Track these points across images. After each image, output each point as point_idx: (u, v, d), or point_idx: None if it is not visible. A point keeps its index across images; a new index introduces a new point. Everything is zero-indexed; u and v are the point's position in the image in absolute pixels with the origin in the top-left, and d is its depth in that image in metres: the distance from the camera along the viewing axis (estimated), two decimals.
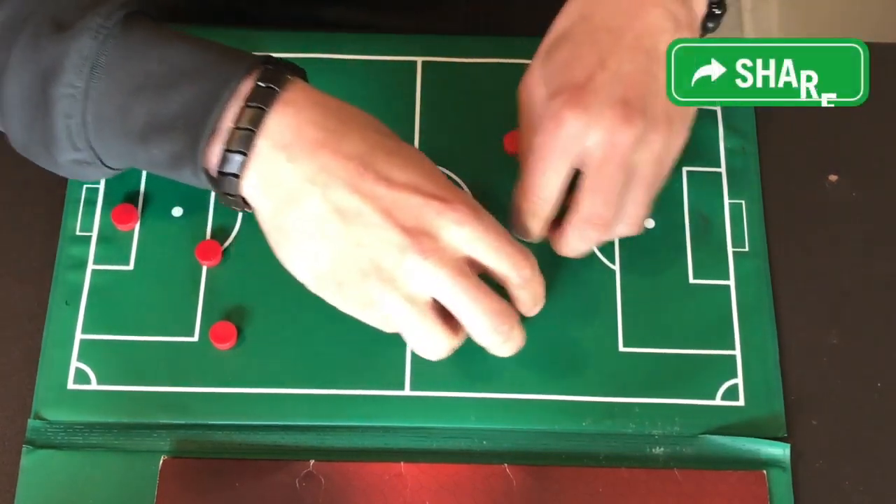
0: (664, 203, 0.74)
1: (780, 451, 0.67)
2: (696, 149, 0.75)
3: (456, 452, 0.67)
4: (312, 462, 0.66)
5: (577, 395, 0.69)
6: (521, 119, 0.69)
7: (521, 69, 0.77)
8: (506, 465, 0.67)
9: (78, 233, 0.72)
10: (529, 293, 0.65)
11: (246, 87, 0.62)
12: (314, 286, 0.64)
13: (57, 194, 0.73)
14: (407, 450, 0.67)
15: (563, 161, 0.65)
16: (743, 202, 0.74)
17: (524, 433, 0.68)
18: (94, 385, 0.68)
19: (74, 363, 0.69)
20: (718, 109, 0.77)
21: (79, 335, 0.70)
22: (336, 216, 0.61)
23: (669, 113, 0.65)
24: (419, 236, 0.61)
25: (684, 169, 0.75)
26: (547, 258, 0.72)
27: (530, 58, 0.78)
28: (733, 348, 0.70)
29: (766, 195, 0.75)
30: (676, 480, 0.66)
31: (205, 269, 0.72)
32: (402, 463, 0.66)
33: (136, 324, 0.70)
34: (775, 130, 0.77)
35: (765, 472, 0.67)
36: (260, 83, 0.62)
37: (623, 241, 0.73)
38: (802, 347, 0.71)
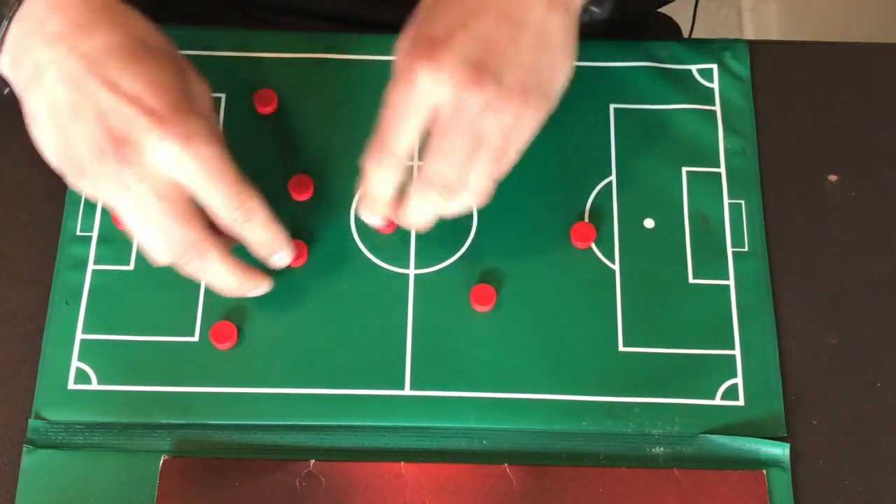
0: (664, 203, 0.74)
1: (779, 450, 0.67)
2: (696, 149, 0.76)
3: (456, 452, 0.67)
4: (312, 462, 0.66)
5: (577, 394, 0.69)
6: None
7: None
8: (506, 464, 0.67)
9: (78, 233, 0.72)
10: (254, 234, 0.65)
11: None
12: (58, 169, 0.65)
13: (57, 194, 0.73)
14: (407, 450, 0.67)
15: (415, 115, 0.63)
16: (743, 202, 0.74)
17: (524, 433, 0.68)
18: (94, 385, 0.68)
19: (75, 363, 0.69)
20: (718, 110, 0.77)
21: (79, 335, 0.70)
22: (59, 109, 0.62)
23: (527, 87, 0.63)
24: (122, 146, 0.61)
25: (684, 169, 0.75)
26: (547, 258, 0.72)
27: None
28: (733, 348, 0.70)
29: (765, 195, 0.75)
30: (676, 480, 0.66)
31: None
32: (402, 463, 0.66)
33: (137, 324, 0.70)
34: (775, 130, 0.77)
35: (764, 471, 0.67)
36: None
37: (623, 241, 0.73)
38: (802, 347, 0.71)
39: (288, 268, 0.71)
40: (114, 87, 0.62)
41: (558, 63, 0.66)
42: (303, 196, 0.73)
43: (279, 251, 0.68)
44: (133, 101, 0.62)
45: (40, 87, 0.63)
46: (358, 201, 0.68)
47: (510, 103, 0.63)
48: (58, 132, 0.63)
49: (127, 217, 0.63)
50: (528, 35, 0.64)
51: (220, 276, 0.66)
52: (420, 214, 0.68)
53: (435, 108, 0.63)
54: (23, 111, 0.65)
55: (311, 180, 0.74)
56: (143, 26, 0.65)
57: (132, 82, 0.62)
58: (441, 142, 0.63)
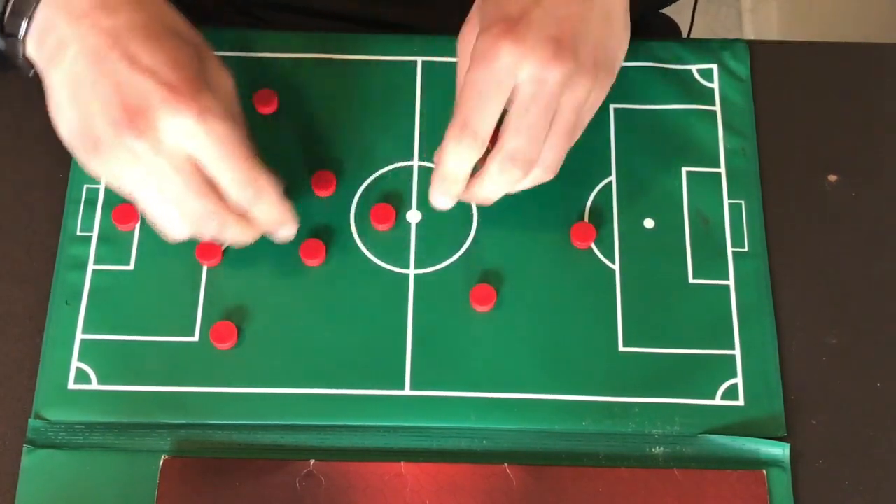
0: (664, 203, 0.74)
1: (779, 450, 0.67)
2: (696, 149, 0.76)
3: (456, 452, 0.67)
4: (312, 462, 0.66)
5: (577, 394, 0.69)
6: (459, 67, 0.68)
7: None
8: (506, 464, 0.67)
9: (78, 233, 0.72)
10: (262, 213, 0.66)
11: None
12: (72, 148, 0.65)
13: (57, 194, 0.74)
14: (407, 449, 0.67)
15: (498, 94, 0.64)
16: (742, 202, 0.74)
17: (524, 433, 0.68)
18: (94, 385, 0.68)
19: (75, 363, 0.69)
20: (718, 110, 0.77)
21: (79, 335, 0.70)
22: (79, 82, 0.63)
23: (597, 61, 0.65)
24: (137, 117, 0.61)
25: (684, 169, 0.75)
26: (547, 258, 0.72)
27: None
28: (733, 348, 0.70)
29: (765, 195, 0.75)
30: (676, 480, 0.66)
31: (205, 269, 0.72)
32: (402, 462, 0.66)
33: (137, 324, 0.70)
34: (775, 130, 0.77)
35: (764, 471, 0.67)
36: None
37: (623, 241, 0.73)
38: (802, 347, 0.71)
39: (305, 266, 0.71)
40: (133, 62, 0.62)
41: (621, 38, 0.68)
42: (325, 192, 0.74)
43: (286, 225, 0.69)
44: (150, 74, 0.62)
45: (62, 62, 0.64)
46: (432, 183, 0.68)
47: (584, 77, 0.64)
48: (75, 106, 0.64)
49: (140, 192, 0.64)
50: (596, 11, 0.65)
51: (239, 237, 0.67)
52: (495, 190, 0.68)
53: (515, 86, 0.64)
54: (45, 90, 0.65)
55: (334, 175, 0.74)
56: (166, 8, 0.67)
57: (151, 57, 0.63)
58: (522, 119, 0.64)
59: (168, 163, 0.62)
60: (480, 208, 0.73)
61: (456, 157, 0.66)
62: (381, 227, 0.72)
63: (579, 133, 0.68)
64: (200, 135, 0.62)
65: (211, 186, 0.64)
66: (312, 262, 0.71)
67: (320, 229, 0.73)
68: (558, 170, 0.68)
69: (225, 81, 0.68)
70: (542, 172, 0.67)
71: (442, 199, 0.69)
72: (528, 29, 0.63)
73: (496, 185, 0.67)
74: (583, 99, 0.65)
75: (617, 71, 0.69)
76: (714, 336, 0.70)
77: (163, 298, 0.71)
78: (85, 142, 0.64)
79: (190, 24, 0.68)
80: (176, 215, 0.65)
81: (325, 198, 0.74)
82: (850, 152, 0.77)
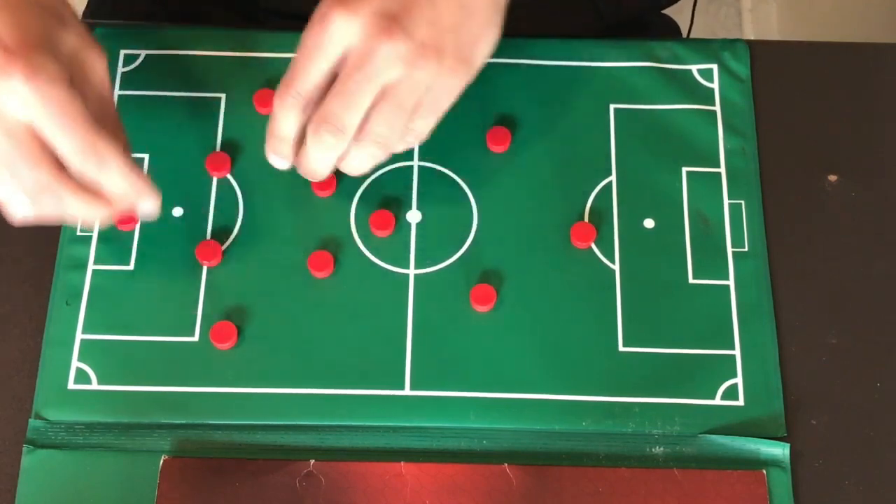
0: (664, 203, 0.74)
1: (779, 450, 0.67)
2: (696, 149, 0.76)
3: (456, 452, 0.67)
4: (312, 462, 0.66)
5: (577, 394, 0.69)
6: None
7: (520, 69, 0.78)
8: (506, 464, 0.67)
9: (78, 233, 0.72)
10: (112, 183, 0.64)
11: None
12: None
13: None
14: (407, 449, 0.67)
15: (324, 58, 0.64)
16: (742, 202, 0.74)
17: (524, 433, 0.68)
18: (94, 385, 0.68)
19: (75, 363, 0.69)
20: (718, 110, 0.77)
21: (79, 335, 0.70)
22: None
23: (441, 47, 0.64)
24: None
25: (684, 169, 0.75)
26: (547, 258, 0.72)
27: (529, 57, 0.78)
28: (733, 348, 0.70)
29: (765, 195, 0.75)
30: (676, 480, 0.66)
31: (205, 269, 0.72)
32: (401, 463, 0.66)
33: (137, 324, 0.70)
34: (775, 130, 0.77)
35: (764, 471, 0.67)
36: None
37: (623, 241, 0.73)
38: (802, 347, 0.71)
39: (305, 267, 0.71)
40: None
41: (480, 30, 0.67)
42: (325, 193, 0.74)
43: (142, 198, 0.66)
44: None
45: None
46: (266, 142, 0.68)
47: (422, 59, 0.64)
48: None
49: None
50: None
51: (80, 210, 0.65)
52: (316, 158, 0.67)
53: (344, 55, 0.64)
54: None
55: (334, 176, 0.73)
56: None
57: None
58: (341, 84, 0.64)
59: (1, 127, 0.61)
60: (481, 208, 0.73)
61: (280, 115, 0.66)
62: (381, 234, 0.72)
63: (429, 118, 0.67)
64: (31, 97, 0.60)
65: (49, 156, 0.62)
66: (321, 274, 0.71)
67: (320, 230, 0.73)
68: (392, 150, 0.67)
69: (97, 64, 0.66)
70: (373, 147, 0.66)
71: (274, 157, 0.69)
72: (365, 2, 0.63)
73: (315, 151, 0.67)
74: (422, 81, 0.64)
75: (476, 62, 0.67)
76: (714, 336, 0.70)
77: (163, 298, 0.71)
78: None
79: None
80: (12, 189, 0.63)
81: (324, 198, 0.74)
82: (850, 152, 0.77)
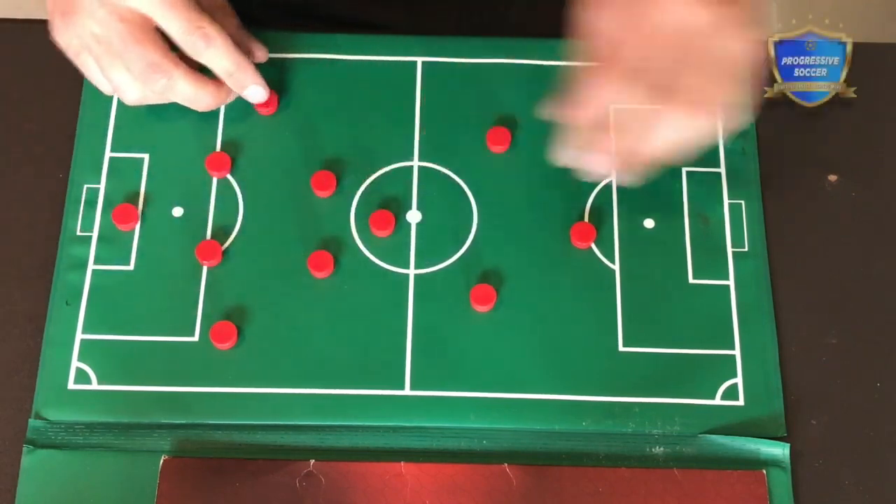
0: (664, 203, 0.74)
1: (779, 450, 0.67)
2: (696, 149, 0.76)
3: (456, 452, 0.67)
4: (312, 462, 0.66)
5: (577, 394, 0.69)
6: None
7: (520, 69, 0.78)
8: (506, 464, 0.67)
9: (78, 233, 0.72)
10: (217, 61, 0.71)
11: None
12: (49, 14, 0.72)
13: (57, 194, 0.73)
14: (407, 449, 0.67)
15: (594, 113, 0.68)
16: (742, 202, 0.74)
17: (524, 433, 0.68)
18: (94, 385, 0.68)
19: (75, 363, 0.69)
20: None
21: (79, 335, 0.70)
22: None
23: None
24: None
25: (684, 169, 0.75)
26: (547, 258, 0.72)
27: (529, 58, 0.78)
28: (733, 348, 0.70)
29: (765, 195, 0.75)
30: (676, 480, 0.66)
31: (205, 269, 0.72)
32: (401, 462, 0.66)
33: (137, 324, 0.70)
34: (775, 130, 0.77)
35: (764, 471, 0.67)
36: None
37: (623, 241, 0.73)
38: (802, 347, 0.71)
39: (305, 267, 0.71)
40: None
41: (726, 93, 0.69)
42: (325, 193, 0.73)
43: (248, 82, 0.73)
44: None
45: None
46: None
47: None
48: None
49: (96, 51, 0.70)
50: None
51: (190, 92, 0.71)
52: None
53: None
54: None
55: (334, 176, 0.74)
56: None
57: None
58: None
59: (115, 12, 0.69)
60: (481, 208, 0.73)
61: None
62: (381, 234, 0.72)
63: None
64: None
65: (157, 38, 0.69)
66: (321, 275, 0.71)
67: (320, 230, 0.73)
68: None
69: None
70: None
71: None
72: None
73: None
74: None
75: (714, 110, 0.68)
76: (714, 336, 0.70)
77: (163, 298, 0.71)
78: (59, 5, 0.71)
79: None
80: (123, 71, 0.70)
81: (324, 198, 0.74)
82: (850, 152, 0.77)
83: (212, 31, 0.70)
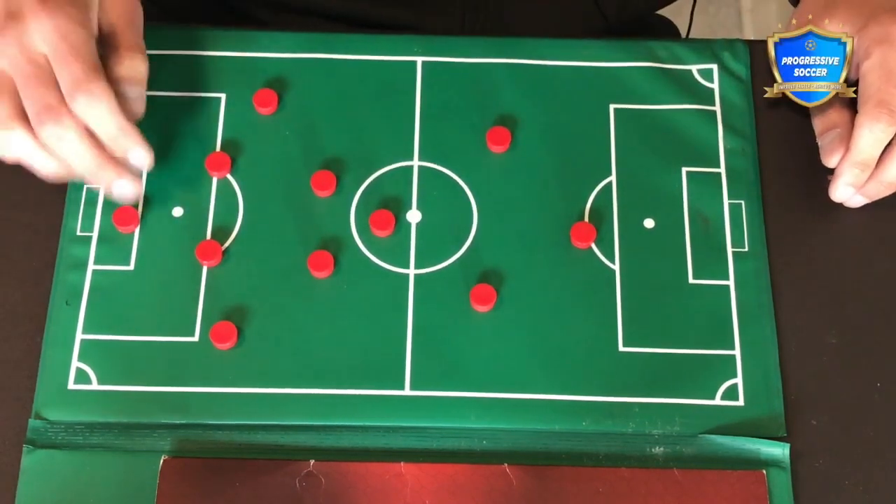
0: (664, 203, 0.74)
1: (779, 450, 0.67)
2: (696, 149, 0.76)
3: (456, 452, 0.67)
4: (312, 462, 0.66)
5: (577, 394, 0.69)
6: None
7: (520, 69, 0.78)
8: (505, 464, 0.67)
9: (78, 233, 0.72)
10: (101, 122, 0.68)
11: None
12: None
13: (58, 195, 0.73)
14: (407, 449, 0.67)
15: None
16: (742, 202, 0.74)
17: (524, 433, 0.68)
18: (94, 385, 0.68)
19: (75, 363, 0.69)
20: (718, 110, 0.77)
21: (79, 335, 0.70)
22: None
23: None
24: (10, 19, 0.68)
25: (684, 169, 0.75)
26: (547, 258, 0.72)
27: (529, 57, 0.78)
28: (733, 348, 0.70)
29: (765, 195, 0.75)
30: (676, 480, 0.66)
31: (205, 269, 0.72)
32: (401, 463, 0.66)
33: (137, 324, 0.70)
34: (775, 130, 0.77)
35: (764, 471, 0.67)
36: None
37: (623, 241, 0.73)
38: (802, 347, 0.71)
39: (305, 268, 0.71)
40: None
41: None
42: (325, 193, 0.73)
43: (131, 146, 0.70)
44: None
45: None
46: (841, 173, 0.73)
47: None
48: None
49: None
50: None
51: (76, 148, 0.68)
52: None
53: None
54: None
55: (334, 176, 0.74)
56: None
57: None
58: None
59: (17, 53, 0.67)
60: (481, 208, 0.73)
61: (871, 136, 0.71)
62: (381, 234, 0.72)
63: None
64: (48, 28, 0.67)
65: (56, 85, 0.67)
66: (321, 275, 0.71)
67: (320, 230, 0.73)
68: None
69: None
70: None
71: (847, 189, 0.73)
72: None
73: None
74: None
75: None
76: (714, 336, 0.70)
77: (163, 298, 0.71)
78: None
79: None
80: (16, 112, 0.67)
81: (324, 198, 0.74)
82: None
83: (101, 88, 0.67)
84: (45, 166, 0.68)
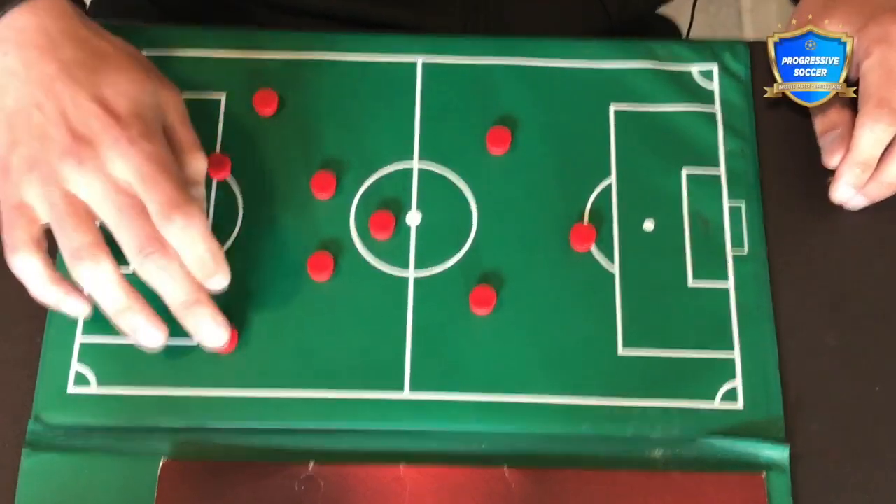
0: (664, 205, 0.74)
1: (779, 453, 0.67)
2: (696, 150, 0.75)
3: (455, 455, 0.67)
4: (312, 465, 0.66)
5: (577, 397, 0.69)
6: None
7: (520, 69, 0.78)
8: (505, 467, 0.67)
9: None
10: (182, 241, 0.63)
11: None
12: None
13: None
14: (406, 452, 0.67)
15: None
16: (742, 204, 0.74)
17: (523, 436, 0.68)
18: (94, 388, 0.68)
19: (74, 366, 0.69)
20: (718, 111, 0.77)
21: (79, 338, 0.70)
22: (26, 110, 0.65)
23: None
24: (82, 144, 0.64)
25: (684, 171, 0.75)
26: (546, 260, 0.72)
27: (530, 57, 0.78)
28: (732, 350, 0.70)
29: (765, 197, 0.75)
30: (676, 483, 0.66)
31: None
32: (401, 465, 0.66)
33: None
34: (775, 132, 0.77)
35: (764, 474, 0.67)
36: None
37: (623, 243, 0.73)
38: (802, 349, 0.71)
39: (305, 271, 0.70)
40: (79, 90, 0.65)
41: None
42: (324, 194, 0.73)
43: (220, 270, 0.65)
44: (99, 103, 0.65)
45: (5, 89, 0.65)
46: (841, 173, 0.73)
47: None
48: (12, 132, 0.65)
49: (58, 211, 0.65)
50: None
51: (177, 277, 0.64)
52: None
53: None
54: None
55: (333, 177, 0.73)
56: (116, 47, 0.68)
57: (96, 87, 0.65)
58: None
59: (103, 184, 0.63)
60: (480, 210, 0.73)
61: (872, 136, 0.71)
62: (381, 236, 0.72)
63: None
64: (132, 157, 0.63)
65: (90, 220, 0.64)
66: (321, 277, 0.71)
67: (320, 232, 0.73)
68: None
69: (172, 99, 0.69)
70: None
71: (848, 189, 0.73)
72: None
73: None
74: None
75: None
76: (713, 338, 0.70)
77: (163, 300, 0.71)
78: (16, 163, 0.65)
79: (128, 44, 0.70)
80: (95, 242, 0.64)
81: (324, 200, 0.73)
82: None
83: (194, 209, 0.63)
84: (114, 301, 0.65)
